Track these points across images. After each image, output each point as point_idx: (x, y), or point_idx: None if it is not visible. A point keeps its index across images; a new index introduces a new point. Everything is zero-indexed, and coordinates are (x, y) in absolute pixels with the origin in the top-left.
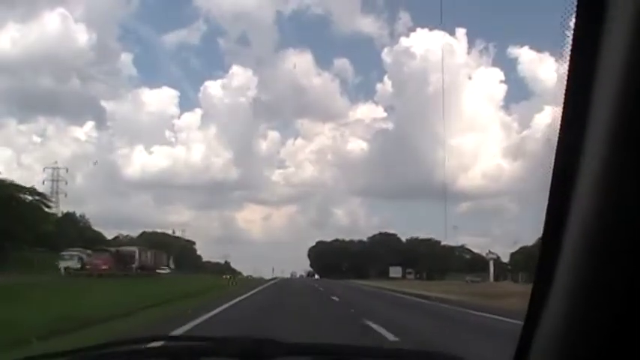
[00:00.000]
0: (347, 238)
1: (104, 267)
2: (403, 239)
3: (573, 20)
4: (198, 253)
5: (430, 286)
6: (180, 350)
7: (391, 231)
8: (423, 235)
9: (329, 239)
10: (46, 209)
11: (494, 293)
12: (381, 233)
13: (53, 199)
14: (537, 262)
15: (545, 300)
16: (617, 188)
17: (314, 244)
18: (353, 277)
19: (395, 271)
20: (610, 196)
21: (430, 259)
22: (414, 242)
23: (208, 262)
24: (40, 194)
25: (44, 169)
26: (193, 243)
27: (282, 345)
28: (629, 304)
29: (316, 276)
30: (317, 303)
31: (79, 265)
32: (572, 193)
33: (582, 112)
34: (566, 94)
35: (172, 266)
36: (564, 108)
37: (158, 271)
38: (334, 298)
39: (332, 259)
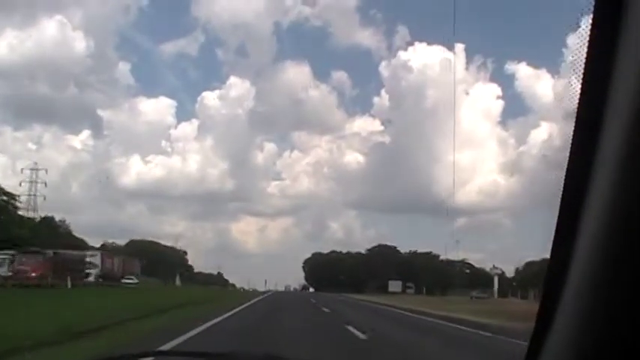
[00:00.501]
0: (344, 250)
1: (34, 274)
2: (403, 252)
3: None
4: (190, 263)
5: (438, 303)
6: None
7: (390, 244)
8: (420, 250)
9: (325, 251)
10: (21, 212)
11: (513, 312)
12: (380, 245)
13: (30, 203)
14: (544, 280)
15: (552, 319)
16: (629, 206)
17: (309, 255)
18: (350, 291)
19: (394, 286)
20: (621, 213)
21: (430, 273)
22: (413, 256)
23: (200, 273)
24: (7, 194)
25: (22, 170)
26: (185, 253)
27: None
28: (639, 326)
29: (310, 289)
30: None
31: (10, 272)
32: (582, 211)
33: (593, 129)
34: (578, 111)
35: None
36: (576, 124)
37: (124, 281)
38: (353, 330)
39: (328, 271)
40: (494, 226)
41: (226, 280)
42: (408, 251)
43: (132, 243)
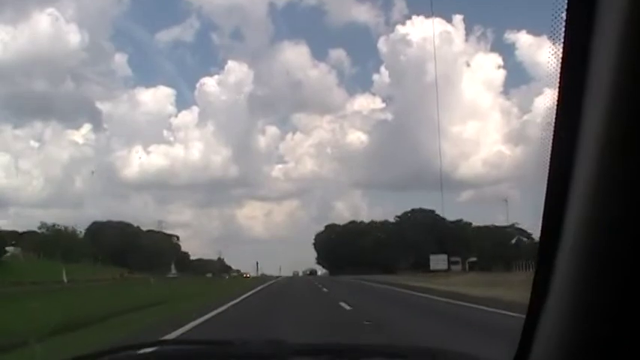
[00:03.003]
0: (366, 219)
1: None
2: (444, 217)
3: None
4: (185, 249)
5: None
6: (180, 354)
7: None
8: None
9: (341, 222)
10: None
11: None
12: (413, 210)
13: None
14: (538, 252)
15: (547, 291)
16: (617, 173)
17: (322, 229)
18: (376, 272)
19: (438, 262)
20: (610, 181)
21: (479, 244)
22: (458, 224)
23: (200, 260)
24: None
25: None
26: (176, 238)
27: (288, 345)
28: (632, 293)
29: (319, 272)
30: None
31: None
32: (570, 181)
33: (578, 96)
34: (560, 77)
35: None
36: (559, 92)
37: None
38: None
39: (345, 248)
40: (501, 197)
41: (228, 267)
42: (453, 219)
43: (95, 227)
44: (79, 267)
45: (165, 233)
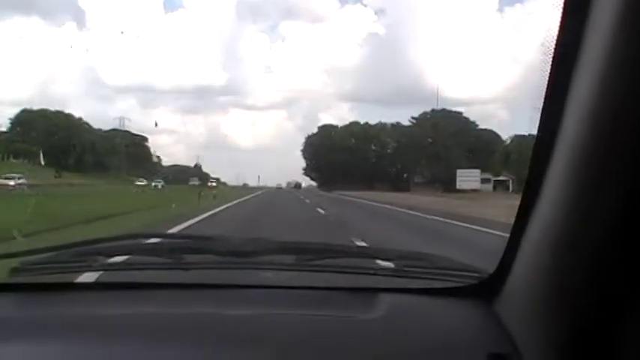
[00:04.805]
0: (371, 121)
1: None
2: (474, 121)
3: None
4: (167, 155)
5: None
6: (173, 247)
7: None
8: None
9: (339, 123)
10: None
11: None
12: (434, 111)
13: None
14: (529, 170)
15: (534, 209)
16: (615, 89)
17: (315, 130)
18: (381, 187)
19: (468, 179)
20: (607, 99)
21: (521, 157)
22: (482, 131)
23: (175, 166)
24: None
25: None
26: (144, 139)
27: (270, 243)
28: (622, 215)
29: (303, 184)
30: None
31: None
32: (567, 100)
33: (582, 17)
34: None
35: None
36: (563, 12)
37: None
38: None
39: (343, 156)
40: (490, 116)
41: (206, 175)
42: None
43: (24, 117)
44: None
45: (131, 133)
